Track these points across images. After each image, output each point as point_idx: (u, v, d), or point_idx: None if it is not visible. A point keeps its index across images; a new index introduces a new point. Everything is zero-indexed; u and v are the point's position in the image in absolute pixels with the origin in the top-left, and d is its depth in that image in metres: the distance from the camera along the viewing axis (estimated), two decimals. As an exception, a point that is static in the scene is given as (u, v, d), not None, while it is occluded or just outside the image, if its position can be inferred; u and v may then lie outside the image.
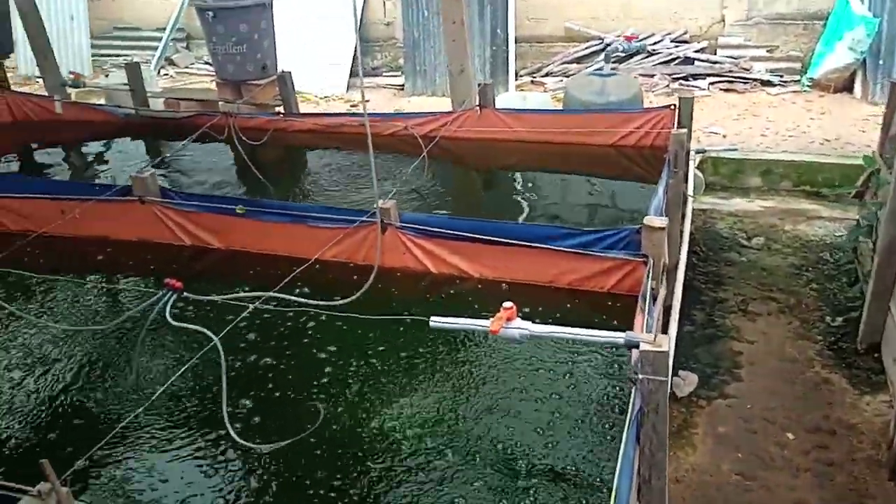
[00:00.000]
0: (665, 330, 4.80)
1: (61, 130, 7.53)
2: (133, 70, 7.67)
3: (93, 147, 7.38)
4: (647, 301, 3.70)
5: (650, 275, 3.92)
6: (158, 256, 4.95)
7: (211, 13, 7.24)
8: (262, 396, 3.54)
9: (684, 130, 5.29)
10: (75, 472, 2.69)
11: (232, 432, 3.03)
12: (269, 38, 7.46)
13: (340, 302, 3.36)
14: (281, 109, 7.42)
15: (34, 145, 7.54)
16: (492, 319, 3.11)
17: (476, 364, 3.82)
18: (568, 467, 3.21)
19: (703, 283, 5.84)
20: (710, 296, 5.67)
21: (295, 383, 3.62)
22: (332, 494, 3.05)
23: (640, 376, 2.92)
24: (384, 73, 12.66)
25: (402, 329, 3.85)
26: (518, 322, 3.17)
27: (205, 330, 3.09)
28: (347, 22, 12.20)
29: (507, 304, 3.17)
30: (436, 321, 3.21)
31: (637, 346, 2.93)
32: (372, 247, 4.58)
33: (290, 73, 7.32)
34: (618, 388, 3.62)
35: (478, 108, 6.61)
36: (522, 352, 3.90)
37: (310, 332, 3.95)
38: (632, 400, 3.03)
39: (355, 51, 12.11)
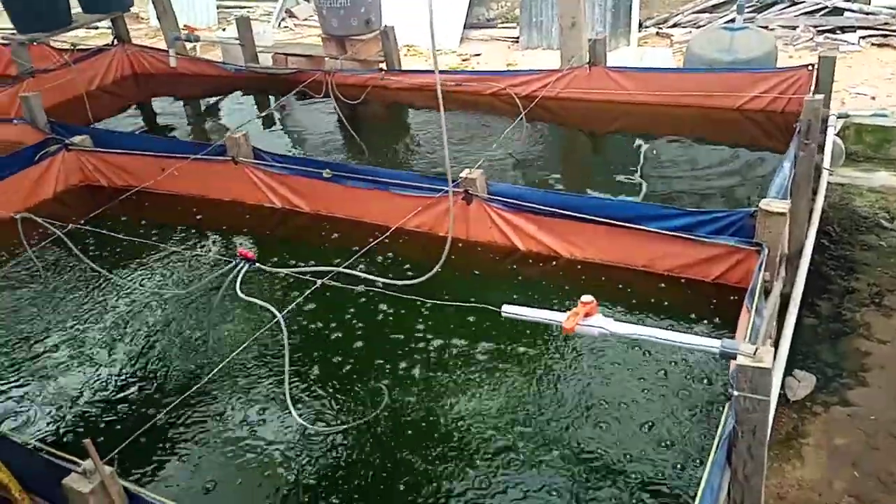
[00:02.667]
0: (781, 323, 4.30)
1: (175, 84, 7.77)
2: (243, 24, 7.71)
3: (202, 101, 7.55)
4: (757, 298, 3.27)
5: (762, 267, 3.46)
6: (249, 217, 4.97)
7: (317, -34, 7.11)
8: (325, 374, 3.45)
9: (821, 97, 4.62)
10: (131, 443, 2.68)
11: (293, 412, 2.96)
12: (373, -9, 7.26)
13: (411, 282, 3.17)
14: (383, 66, 7.24)
15: (150, 98, 7.80)
16: (568, 314, 2.82)
17: (555, 356, 3.54)
18: (647, 483, 2.90)
19: (833, 270, 5.18)
20: (839, 285, 5.03)
21: (360, 363, 3.49)
22: (388, 480, 2.92)
23: (736, 393, 2.56)
24: (499, 25, 12.18)
25: (474, 313, 3.61)
26: (598, 318, 2.86)
27: (269, 306, 3.01)
28: (463, -28, 11.76)
29: (587, 297, 2.86)
30: (508, 311, 2.97)
31: (733, 358, 2.57)
32: (459, 219, 4.36)
33: (392, 27, 7.10)
34: (718, 396, 3.24)
35: (587, 66, 6.14)
36: (610, 345, 3.57)
37: (378, 311, 3.81)
38: (724, 416, 2.68)
39: (470, 2, 11.74)
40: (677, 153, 5.59)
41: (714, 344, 2.69)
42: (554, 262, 4.18)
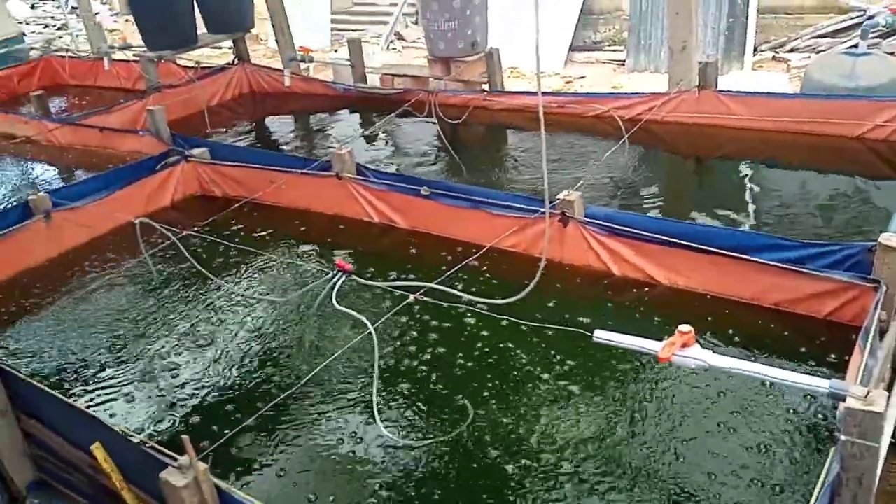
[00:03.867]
0: (893, 379, 3.99)
1: (288, 102, 8.16)
2: (354, 46, 8.02)
3: (313, 119, 7.88)
4: (872, 338, 3.05)
5: (879, 305, 3.23)
6: (349, 231, 5.13)
7: (427, -10, 7.30)
8: (413, 389, 3.48)
9: (953, 127, 4.29)
10: (223, 443, 2.80)
11: (379, 424, 3.00)
12: (481, 13, 7.36)
13: (503, 301, 3.17)
14: (486, 87, 7.32)
15: (265, 114, 8.23)
16: (663, 343, 2.74)
17: (646, 385, 3.43)
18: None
19: (962, 314, 4.75)
20: (968, 330, 4.60)
21: (447, 379, 3.51)
22: (468, 499, 2.91)
23: (843, 437, 2.40)
24: (605, 48, 12.07)
25: (566, 337, 3.56)
26: (695, 350, 2.76)
27: (362, 318, 3.09)
28: (571, -4, 11.76)
29: (685, 327, 2.76)
30: (600, 336, 2.90)
31: (843, 399, 2.41)
32: (554, 241, 4.32)
33: (497, 49, 7.17)
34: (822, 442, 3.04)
35: (696, 89, 5.97)
36: (705, 376, 3.43)
37: (468, 328, 3.82)
38: (828, 462, 2.51)
39: (576, 25, 11.70)
40: (790, 181, 5.33)
41: (822, 384, 2.53)
42: (651, 290, 4.06)
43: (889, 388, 3.81)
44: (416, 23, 14.16)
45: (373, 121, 7.23)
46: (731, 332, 3.70)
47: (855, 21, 9.99)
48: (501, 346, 3.67)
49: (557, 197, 4.23)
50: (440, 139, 6.33)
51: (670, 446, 3.08)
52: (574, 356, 3.56)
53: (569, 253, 4.29)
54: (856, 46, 6.75)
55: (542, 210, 4.25)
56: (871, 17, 9.48)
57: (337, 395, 3.49)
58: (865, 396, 2.39)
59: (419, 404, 3.38)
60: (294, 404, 3.46)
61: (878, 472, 3.35)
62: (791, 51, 10.42)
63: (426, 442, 3.16)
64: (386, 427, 3.13)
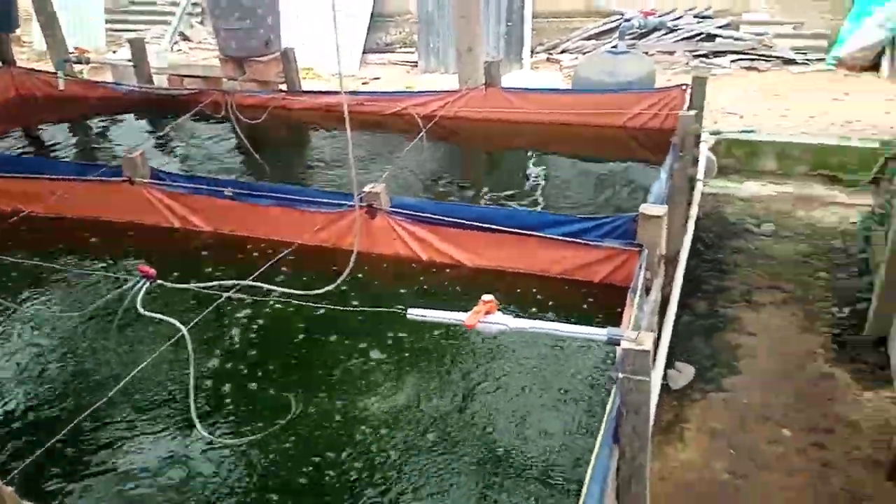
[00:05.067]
0: (661, 320, 4.67)
1: (64, 107, 7.52)
2: (136, 46, 7.59)
3: (93, 124, 7.35)
4: (639, 294, 3.57)
5: (643, 266, 3.79)
6: (147, 239, 4.90)
7: (214, -13, 7.11)
8: (234, 388, 3.48)
9: (692, 113, 5.10)
10: (30, 464, 2.63)
11: (198, 425, 2.98)
12: (273, 12, 7.31)
13: (316, 292, 3.27)
14: (284, 87, 7.31)
15: (36, 121, 7.52)
16: (469, 313, 3.01)
17: (459, 355, 3.73)
18: (548, 466, 3.11)
19: (707, 272, 5.65)
20: (713, 284, 5.49)
21: (269, 374, 3.55)
22: (301, 486, 3.00)
23: (621, 375, 2.81)
24: (397, 50, 12.46)
25: (381, 320, 3.75)
26: (497, 316, 3.06)
27: (172, 320, 3.03)
28: (361, -2, 12.00)
29: (487, 297, 3.06)
30: (413, 313, 3.12)
31: (618, 344, 2.82)
32: (363, 233, 4.48)
33: (293, 49, 7.19)
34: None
35: (483, 87, 6.45)
36: (510, 342, 3.80)
37: (286, 323, 3.89)
38: (611, 398, 2.92)
39: (368, 27, 11.95)
40: (568, 166, 5.97)
41: (601, 332, 2.94)
42: (457, 270, 4.38)
43: (657, 339, 4.47)
44: (201, 22, 13.60)
45: (164, 124, 6.93)
46: (527, 300, 4.12)
47: (615, 24, 11.25)
48: (320, 336, 3.77)
49: (363, 190, 4.41)
50: (240, 140, 6.23)
51: (487, 411, 3.39)
52: (390, 337, 3.76)
53: (378, 243, 4.49)
54: (616, 47, 7.63)
55: (350, 204, 4.43)
56: (628, 20, 10.75)
57: (154, 402, 3.39)
58: (636, 339, 2.81)
59: (242, 403, 3.39)
60: (107, 416, 3.31)
61: (653, 406, 3.93)
62: (563, 52, 11.48)
63: (247, 439, 3.18)
64: (207, 429, 3.11)
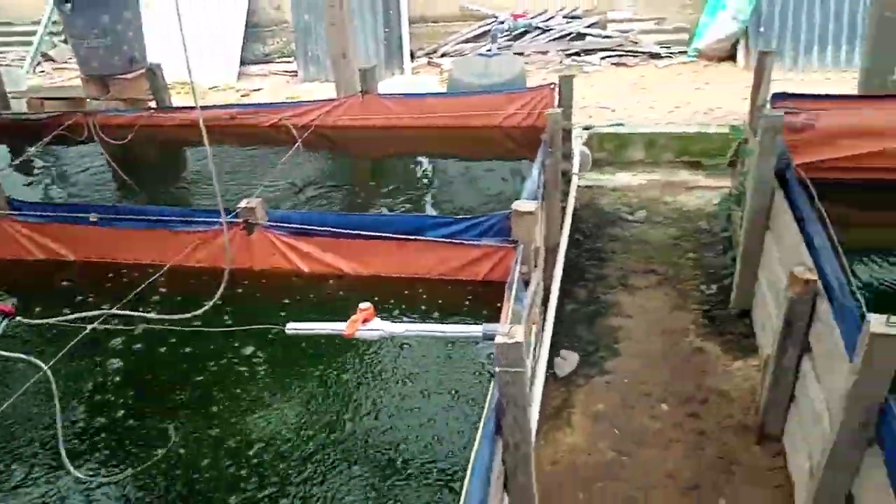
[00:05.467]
0: (545, 311, 4.83)
1: None
2: (-12, 68, 7.10)
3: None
4: (515, 288, 3.68)
5: (518, 261, 3.91)
6: (6, 273, 4.60)
7: (68, 4, 6.76)
8: (107, 423, 3.33)
9: (559, 110, 5.30)
10: None
11: (69, 466, 2.83)
12: (134, 28, 7.03)
13: (188, 315, 3.18)
14: (153, 104, 7.04)
15: None
16: (348, 322, 3.02)
17: (345, 364, 3.72)
18: (439, 463, 3.16)
19: (587, 261, 5.89)
20: (593, 273, 5.73)
21: (145, 405, 3.42)
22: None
23: (498, 369, 2.89)
24: (276, 60, 12.27)
25: (262, 336, 3.70)
26: (376, 322, 3.09)
27: (31, 359, 2.87)
28: (234, 7, 11.75)
29: (364, 304, 3.08)
30: (292, 328, 3.10)
31: (493, 339, 2.90)
32: (241, 249, 4.40)
33: (159, 65, 6.94)
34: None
35: (360, 94, 6.45)
36: (398, 346, 3.83)
37: (160, 349, 3.75)
38: (490, 391, 2.99)
39: (244, 38, 11.70)
40: (449, 168, 6.08)
41: (477, 330, 3.02)
42: (340, 280, 4.37)
43: (541, 329, 4.62)
44: (65, 41, 12.89)
45: (23, 150, 6.52)
46: (413, 304, 4.17)
47: (491, 26, 11.53)
48: (198, 359, 3.67)
49: (238, 206, 4.32)
50: (106, 162, 5.96)
51: (376, 416, 3.41)
52: (272, 353, 3.71)
53: (257, 258, 4.41)
54: (489, 49, 7.83)
55: (220, 221, 4.32)
56: (501, 23, 11.05)
57: (20, 446, 3.19)
58: (508, 332, 2.90)
59: (117, 438, 3.25)
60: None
61: (538, 395, 4.07)
62: (443, 55, 11.66)
63: (124, 475, 3.06)
64: (80, 469, 2.96)
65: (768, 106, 4.86)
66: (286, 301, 4.19)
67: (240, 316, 3.87)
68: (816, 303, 3.48)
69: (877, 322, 2.55)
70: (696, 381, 4.53)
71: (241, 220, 4.31)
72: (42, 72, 12.12)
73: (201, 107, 7.52)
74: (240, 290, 4.00)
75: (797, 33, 10.01)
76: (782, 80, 9.45)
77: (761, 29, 10.17)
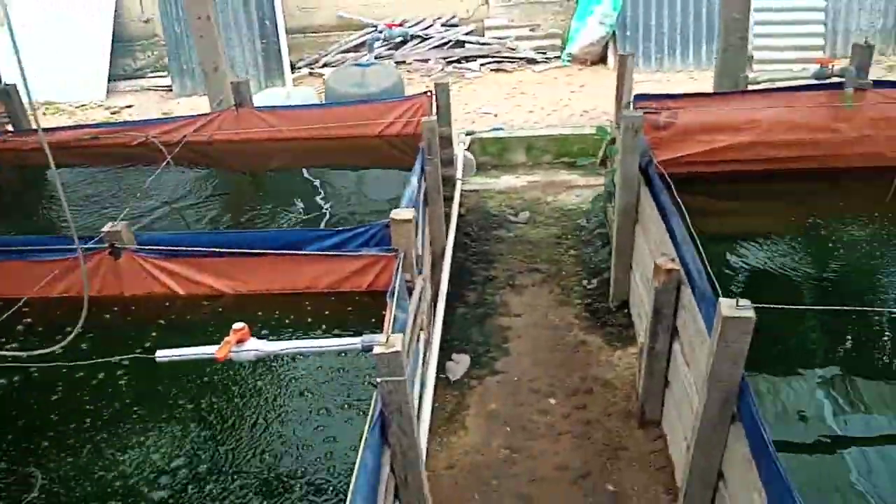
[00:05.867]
0: (433, 317, 4.87)
1: None
2: None
3: None
4: (398, 296, 3.68)
5: (399, 269, 3.91)
6: None
7: None
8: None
9: (434, 118, 5.36)
10: None
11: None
12: (-18, 47, 6.53)
13: (48, 350, 2.98)
14: (10, 127, 6.57)
15: None
16: (220, 345, 2.92)
17: (223, 387, 3.60)
18: (330, 478, 3.12)
19: (475, 264, 5.99)
20: (481, 275, 5.83)
21: (2, 451, 3.17)
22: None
23: (379, 379, 2.88)
24: (149, 75, 11.77)
25: (132, 367, 3.52)
26: (251, 342, 3.01)
27: None
28: (98, 21, 11.18)
29: (238, 325, 2.99)
30: (162, 355, 2.97)
31: (372, 350, 2.88)
32: (108, 275, 4.17)
33: (14, 86, 6.49)
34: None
35: (235, 107, 6.28)
36: (280, 362, 3.75)
37: (21, 387, 3.50)
38: (373, 401, 2.98)
39: (112, 53, 11.16)
40: (331, 180, 6.01)
41: (356, 341, 3.00)
42: (219, 301, 4.22)
43: (430, 334, 4.65)
44: None
45: None
46: (298, 319, 4.09)
47: (370, 35, 11.53)
48: (63, 396, 3.44)
49: (103, 230, 4.09)
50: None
51: (258, 435, 3.31)
52: (145, 383, 3.54)
53: (127, 284, 4.18)
54: (367, 58, 7.84)
55: (89, 247, 4.09)
56: (380, 32, 11.07)
57: None
58: (387, 342, 2.90)
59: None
60: None
61: (427, 400, 4.09)
62: (324, 66, 11.55)
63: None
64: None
65: (631, 106, 5.11)
66: (160, 327, 4.00)
67: (108, 346, 3.66)
68: (680, 290, 3.68)
69: (726, 305, 2.73)
70: (581, 374, 4.70)
71: (106, 245, 4.09)
72: None
73: (72, 127, 7.12)
74: (108, 318, 3.78)
75: (661, 35, 10.60)
76: (650, 80, 10.03)
77: (628, 32, 10.70)
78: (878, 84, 5.33)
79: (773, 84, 5.88)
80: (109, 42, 11.21)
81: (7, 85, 6.61)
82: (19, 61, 2.66)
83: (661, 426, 4.16)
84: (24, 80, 2.72)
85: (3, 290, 4.05)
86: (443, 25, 11.72)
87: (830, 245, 4.87)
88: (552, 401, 4.49)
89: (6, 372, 3.45)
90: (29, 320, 3.92)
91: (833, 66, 5.49)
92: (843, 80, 5.23)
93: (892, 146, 5.33)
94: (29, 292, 3.85)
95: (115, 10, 11.53)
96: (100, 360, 3.29)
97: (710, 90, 6.40)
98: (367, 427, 2.85)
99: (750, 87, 5.82)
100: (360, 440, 3.25)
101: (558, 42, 11.56)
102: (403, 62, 11.41)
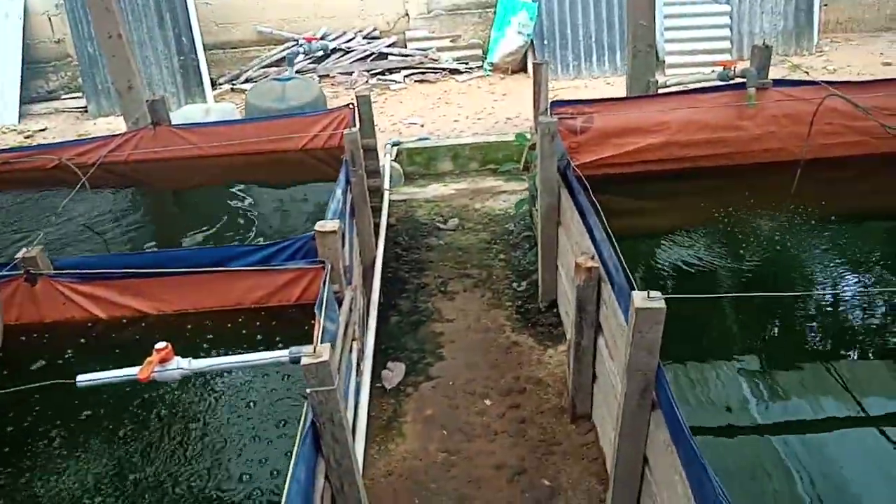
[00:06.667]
0: (365, 327, 4.89)
1: None
2: None
3: None
4: (326, 307, 3.69)
5: (327, 280, 3.92)
6: None
7: None
8: None
9: (356, 130, 5.38)
10: None
11: None
12: None
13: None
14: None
15: None
16: (142, 366, 2.87)
17: (149, 410, 3.53)
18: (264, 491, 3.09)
19: (407, 272, 6.04)
20: (413, 283, 5.88)
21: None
22: None
23: (309, 390, 2.89)
24: (63, 96, 11.38)
25: (50, 394, 3.42)
26: (175, 361, 2.97)
27: None
28: (6, 42, 10.76)
29: (160, 344, 2.95)
30: (83, 380, 2.90)
31: (299, 362, 2.89)
32: (25, 302, 4.03)
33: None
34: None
35: (152, 126, 6.15)
36: (210, 383, 3.70)
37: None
38: (304, 412, 2.98)
39: (22, 76, 10.76)
40: (257, 195, 5.95)
41: (283, 354, 3.00)
42: (142, 322, 4.13)
43: (364, 343, 4.66)
44: None
45: None
46: (224, 337, 4.04)
47: (290, 50, 11.46)
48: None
49: (16, 256, 3.96)
50: None
51: (189, 458, 3.26)
52: (66, 412, 3.44)
53: (46, 310, 4.06)
54: (290, 74, 7.80)
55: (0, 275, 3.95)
56: (300, 46, 11.02)
57: None
58: (314, 352, 2.91)
59: None
60: None
61: (363, 409, 4.10)
62: (246, 81, 11.41)
63: None
64: None
65: (548, 112, 5.27)
66: (81, 351, 3.89)
67: (26, 374, 3.54)
68: (601, 287, 3.82)
69: (639, 297, 2.86)
70: (514, 374, 4.80)
71: (21, 272, 3.95)
72: None
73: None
74: (25, 347, 3.65)
75: (577, 43, 10.92)
76: (569, 87, 10.32)
77: (545, 41, 10.98)
78: (778, 83, 5.65)
79: (681, 87, 6.16)
80: (19, 64, 10.79)
81: None
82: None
83: (591, 419, 4.29)
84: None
85: None
86: (364, 38, 11.76)
87: (741, 237, 5.13)
88: (487, 402, 4.57)
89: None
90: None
91: (735, 67, 5.80)
92: (745, 80, 5.52)
93: (794, 141, 5.65)
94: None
95: (24, 32, 11.11)
96: (15, 389, 3.18)
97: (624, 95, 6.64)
98: (297, 439, 2.86)
99: (660, 91, 6.08)
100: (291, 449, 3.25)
101: (479, 52, 11.76)
102: (327, 76, 11.40)
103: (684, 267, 4.90)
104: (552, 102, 5.47)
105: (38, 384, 3.05)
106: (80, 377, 2.88)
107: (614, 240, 3.71)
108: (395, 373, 4.86)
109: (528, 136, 6.09)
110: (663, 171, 5.63)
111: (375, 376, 4.71)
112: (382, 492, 3.91)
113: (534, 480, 3.97)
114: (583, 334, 4.03)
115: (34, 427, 3.37)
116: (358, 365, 4.39)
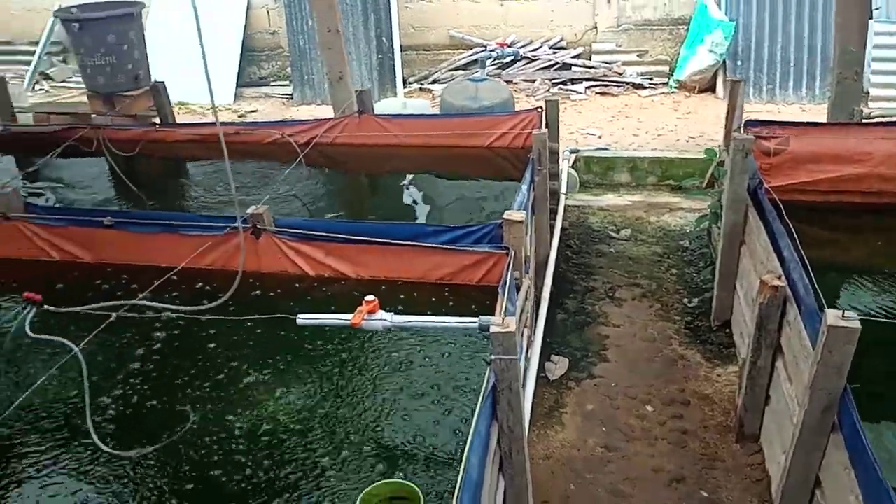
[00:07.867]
0: (536, 319, 5.10)
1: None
2: (-2, 84, 7.34)
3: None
4: (507, 288, 3.95)
5: (510, 265, 4.18)
6: (26, 273, 4.80)
7: (76, 24, 7.04)
8: (130, 405, 3.55)
9: (545, 131, 5.62)
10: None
11: (96, 439, 3.02)
12: (139, 47, 7.32)
13: (207, 306, 3.41)
14: (157, 120, 7.30)
15: None
16: (354, 314, 3.27)
17: (347, 358, 3.96)
18: (436, 443, 3.40)
19: (576, 274, 6.18)
20: (581, 285, 6.01)
21: (163, 390, 3.65)
22: (204, 495, 3.11)
23: (493, 357, 3.14)
24: (272, 83, 12.59)
25: (272, 328, 3.94)
26: (380, 314, 3.34)
27: (64, 340, 3.08)
28: (231, 32, 12.10)
29: (369, 297, 3.33)
30: (302, 318, 3.34)
31: (488, 329, 3.15)
32: (249, 253, 4.61)
33: (163, 83, 7.21)
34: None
35: (357, 114, 6.74)
36: (395, 343, 4.08)
37: (178, 339, 3.98)
38: (486, 378, 3.23)
39: (240, 61, 12.04)
40: (443, 185, 6.36)
41: (473, 321, 3.28)
42: (342, 283, 4.61)
43: (532, 335, 4.88)
44: (64, 61, 13.13)
45: (33, 161, 6.73)
46: (410, 305, 4.41)
47: (479, 55, 11.94)
48: (212, 350, 3.90)
49: (247, 212, 4.56)
50: (114, 174, 6.19)
51: (380, 407, 3.64)
52: (282, 344, 3.95)
53: (265, 262, 4.63)
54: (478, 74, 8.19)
55: (234, 226, 4.56)
56: (492, 51, 11.48)
57: (50, 420, 3.40)
58: (503, 322, 3.16)
59: (139, 417, 3.47)
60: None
61: (530, 393, 4.30)
62: (434, 82, 12.04)
63: (144, 451, 3.27)
64: (106, 443, 3.16)
65: (741, 130, 5.20)
66: (293, 301, 4.41)
67: (253, 311, 4.09)
68: (786, 308, 3.77)
69: (832, 315, 2.84)
70: (678, 386, 4.81)
71: (249, 225, 4.55)
72: (42, 89, 12.34)
73: (211, 123, 7.81)
74: (249, 291, 4.22)
75: (773, 66, 10.49)
76: (760, 111, 9.94)
77: (739, 62, 10.65)
78: None
79: (888, 119, 5.82)
80: (239, 51, 12.09)
81: (157, 82, 7.36)
82: (205, 66, 3.09)
83: (759, 441, 4.22)
84: (210, 85, 3.16)
85: (162, 259, 4.58)
86: (550, 48, 11.99)
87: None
88: (649, 408, 4.61)
89: (167, 325, 3.92)
90: (177, 290, 4.40)
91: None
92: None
93: None
94: (185, 261, 4.35)
95: (246, 23, 12.43)
96: (250, 318, 3.71)
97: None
98: (480, 400, 3.12)
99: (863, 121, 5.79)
100: (472, 414, 3.52)
101: (665, 69, 11.60)
102: (510, 81, 11.72)
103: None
104: (746, 121, 5.39)
105: (264, 316, 3.54)
106: (300, 316, 3.31)
107: (806, 262, 3.65)
108: (558, 366, 5.03)
109: (717, 152, 6.01)
110: (860, 203, 5.37)
111: (539, 367, 4.90)
112: (541, 472, 4.09)
113: (692, 490, 3.99)
114: (760, 354, 3.99)
115: (255, 355, 3.91)
116: (526, 352, 4.61)
